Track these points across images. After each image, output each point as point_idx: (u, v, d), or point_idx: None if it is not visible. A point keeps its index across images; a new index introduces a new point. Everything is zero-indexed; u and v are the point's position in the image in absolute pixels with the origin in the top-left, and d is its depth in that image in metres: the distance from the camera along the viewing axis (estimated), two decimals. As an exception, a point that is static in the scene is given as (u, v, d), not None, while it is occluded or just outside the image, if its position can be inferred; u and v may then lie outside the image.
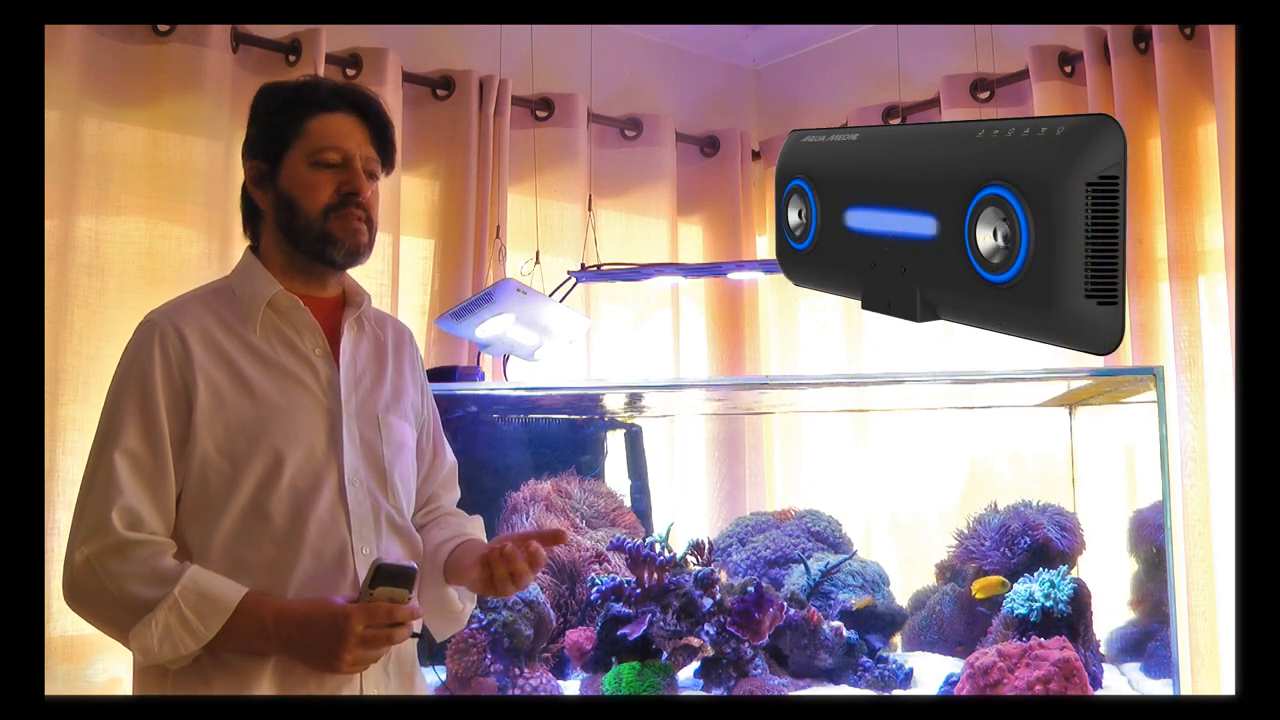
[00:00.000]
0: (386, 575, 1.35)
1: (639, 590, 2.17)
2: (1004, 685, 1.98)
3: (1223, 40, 2.36)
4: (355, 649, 1.34)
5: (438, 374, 2.52)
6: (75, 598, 1.38)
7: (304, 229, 1.49)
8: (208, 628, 1.34)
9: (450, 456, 1.72)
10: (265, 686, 1.39)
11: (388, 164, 1.57)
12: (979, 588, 2.30)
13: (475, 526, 1.67)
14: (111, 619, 1.37)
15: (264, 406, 1.45)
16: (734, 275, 2.81)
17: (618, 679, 2.08)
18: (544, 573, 2.30)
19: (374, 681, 1.47)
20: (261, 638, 1.37)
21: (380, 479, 1.52)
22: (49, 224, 2.20)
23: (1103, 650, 2.25)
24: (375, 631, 1.35)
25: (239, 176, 1.57)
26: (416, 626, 1.44)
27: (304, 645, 1.37)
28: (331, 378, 1.51)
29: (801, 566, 2.38)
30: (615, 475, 2.79)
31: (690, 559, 2.28)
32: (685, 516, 2.93)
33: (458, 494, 1.74)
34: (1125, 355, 2.50)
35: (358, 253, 1.51)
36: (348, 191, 1.49)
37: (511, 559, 1.44)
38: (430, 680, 2.06)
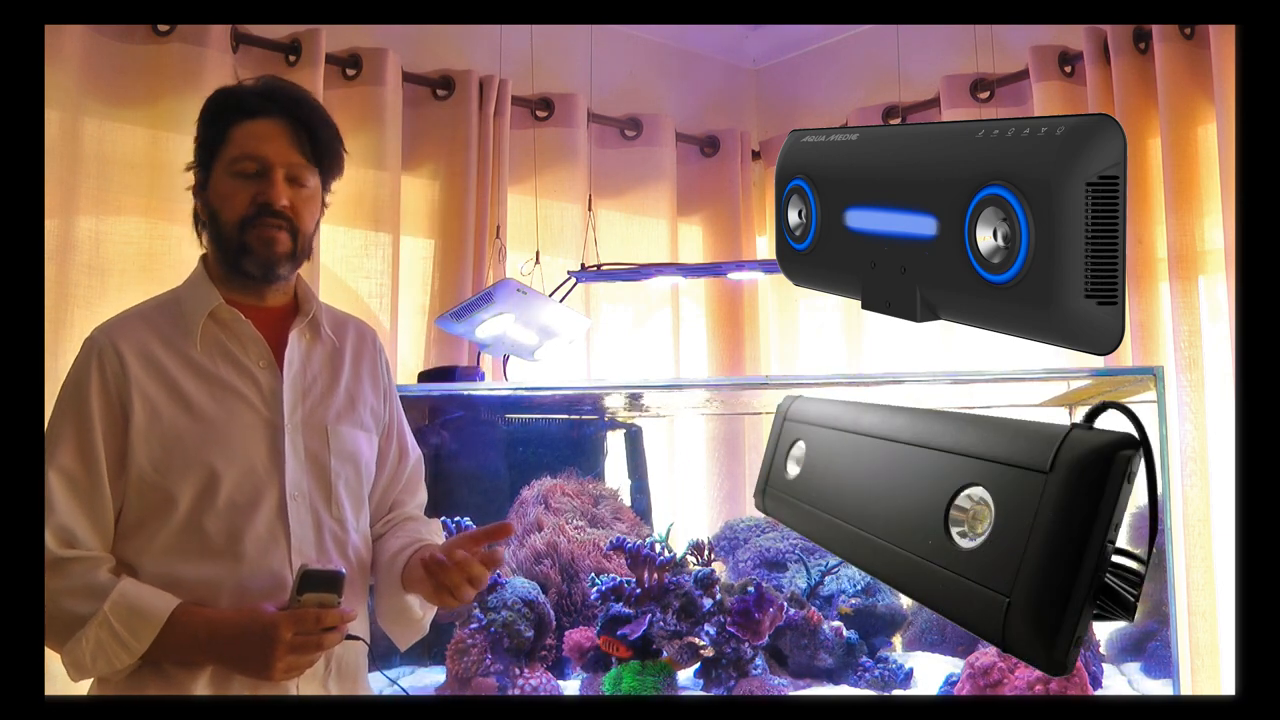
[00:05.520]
0: (313, 581, 1.35)
1: (639, 590, 2.17)
2: (1004, 685, 1.98)
3: (1223, 40, 2.36)
4: (286, 656, 1.34)
5: (438, 374, 2.52)
6: None
7: (225, 241, 1.48)
8: (139, 641, 1.34)
9: (414, 454, 1.69)
10: (200, 693, 1.39)
11: (327, 167, 1.52)
12: None
13: (432, 531, 1.64)
14: (52, 633, 1.37)
15: (201, 422, 1.43)
16: (734, 275, 2.81)
17: (618, 679, 2.08)
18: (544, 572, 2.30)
19: (311, 690, 1.45)
20: (194, 649, 1.37)
21: (325, 492, 1.49)
22: (49, 224, 2.20)
23: (1103, 650, 2.25)
24: (304, 638, 1.34)
25: None
26: (361, 630, 1.43)
27: (236, 655, 1.37)
28: (275, 389, 1.49)
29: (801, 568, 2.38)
30: (615, 475, 2.79)
31: (690, 559, 2.28)
32: (685, 516, 2.93)
33: (422, 496, 1.71)
34: (1125, 355, 2.50)
35: (274, 263, 1.48)
36: (263, 202, 1.45)
37: (467, 564, 1.41)
38: (378, 685, 2.04)
